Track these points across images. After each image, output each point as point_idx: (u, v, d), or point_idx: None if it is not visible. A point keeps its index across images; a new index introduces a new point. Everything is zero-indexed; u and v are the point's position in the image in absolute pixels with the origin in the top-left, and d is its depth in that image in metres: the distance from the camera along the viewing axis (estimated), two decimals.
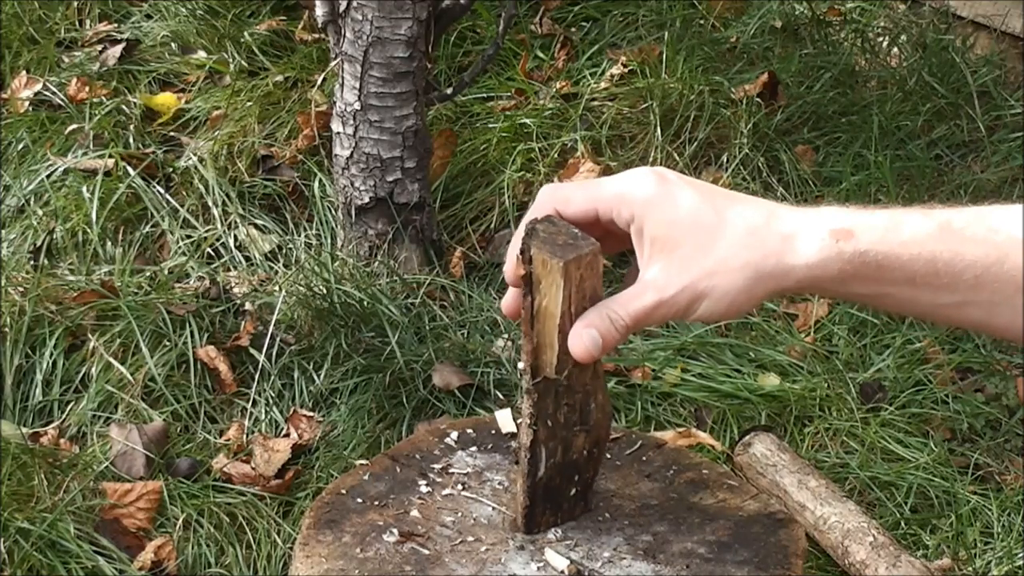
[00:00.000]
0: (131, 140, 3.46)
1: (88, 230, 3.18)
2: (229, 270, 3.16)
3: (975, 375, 3.00)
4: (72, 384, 2.85)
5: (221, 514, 2.58)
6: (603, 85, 3.61)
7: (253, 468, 2.68)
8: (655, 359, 2.91)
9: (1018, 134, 3.60)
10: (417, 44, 3.03)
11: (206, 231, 3.23)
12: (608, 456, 1.54)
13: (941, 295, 1.25)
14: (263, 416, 2.81)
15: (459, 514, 1.47)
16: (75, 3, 3.99)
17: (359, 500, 1.49)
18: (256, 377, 2.84)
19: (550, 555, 1.41)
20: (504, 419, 1.61)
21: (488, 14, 3.84)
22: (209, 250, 3.20)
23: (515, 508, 1.45)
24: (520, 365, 1.37)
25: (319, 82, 3.46)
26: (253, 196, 3.33)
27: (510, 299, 1.36)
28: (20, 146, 3.46)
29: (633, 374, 2.89)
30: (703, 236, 1.27)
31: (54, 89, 3.65)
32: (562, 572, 1.39)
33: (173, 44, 3.81)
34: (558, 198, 1.33)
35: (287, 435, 2.78)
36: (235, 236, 3.22)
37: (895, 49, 3.94)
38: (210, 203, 3.27)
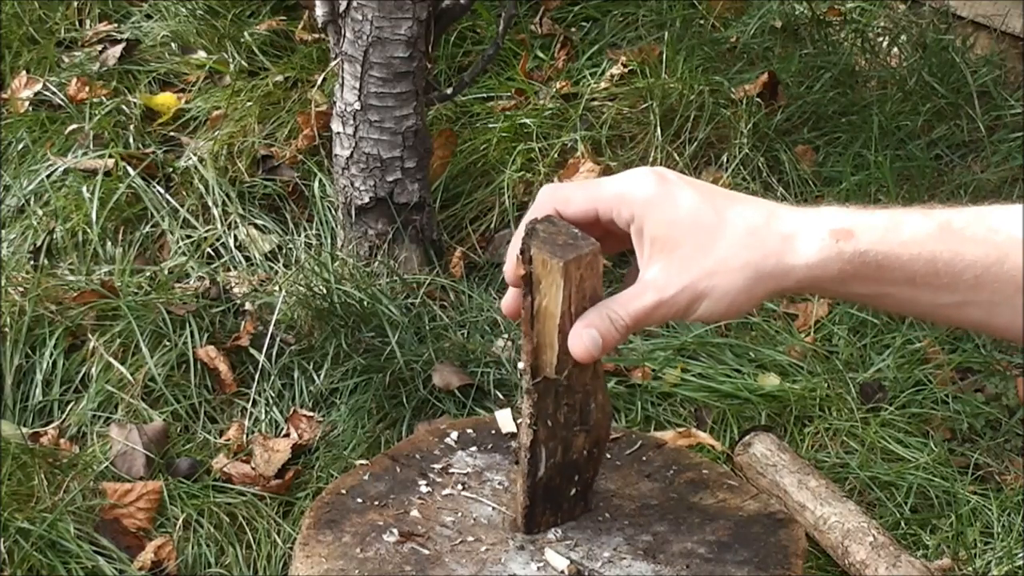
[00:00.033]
0: (131, 140, 3.46)
1: (88, 230, 3.18)
2: (229, 270, 3.16)
3: (975, 375, 3.00)
4: (72, 384, 2.85)
5: (221, 514, 2.58)
6: (603, 85, 3.61)
7: (253, 468, 2.68)
8: (655, 359, 2.91)
9: (1018, 134, 3.60)
10: (417, 44, 3.03)
11: (206, 231, 3.23)
12: (608, 456, 1.54)
13: (941, 295, 1.25)
14: (263, 416, 2.81)
15: (459, 514, 1.47)
16: (75, 3, 3.99)
17: (359, 500, 1.49)
18: (256, 377, 2.84)
19: (550, 555, 1.41)
20: (504, 419, 1.61)
21: (488, 14, 3.84)
22: (209, 250, 3.20)
23: (515, 508, 1.45)
24: (520, 365, 1.37)
25: (319, 82, 3.46)
26: (253, 196, 3.33)
27: (510, 299, 1.36)
28: (20, 146, 3.46)
29: (633, 374, 2.89)
30: (703, 236, 1.27)
31: (54, 89, 3.65)
32: (562, 572, 1.39)
33: (173, 44, 3.82)
34: (558, 198, 1.33)
35: (287, 435, 2.78)
36: (235, 236, 3.22)
37: (895, 49, 3.94)
38: (210, 203, 3.27)
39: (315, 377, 2.85)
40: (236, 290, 3.07)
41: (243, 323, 2.94)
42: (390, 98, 3.05)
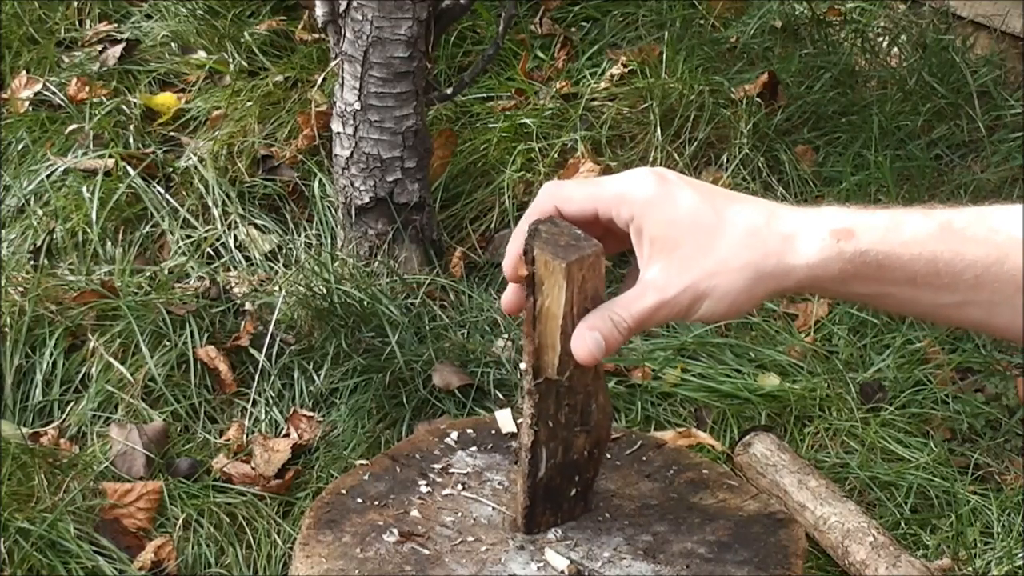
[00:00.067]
0: (131, 140, 3.46)
1: (88, 230, 3.18)
2: (229, 270, 3.16)
3: (975, 375, 3.00)
4: (72, 384, 2.85)
5: (221, 514, 2.58)
6: (603, 85, 3.61)
7: (253, 468, 2.68)
8: (655, 359, 2.91)
9: (1018, 134, 3.60)
10: (417, 44, 3.03)
11: (206, 231, 3.23)
12: (608, 456, 1.54)
13: (942, 295, 1.25)
14: (263, 416, 2.81)
15: (459, 514, 1.47)
16: (75, 3, 3.99)
17: (359, 500, 1.49)
18: (256, 377, 2.84)
19: (550, 555, 1.41)
20: (504, 419, 1.61)
21: (488, 14, 3.84)
22: (209, 250, 3.20)
23: (515, 508, 1.45)
24: (521, 366, 1.37)
25: (319, 82, 3.46)
26: (253, 196, 3.33)
27: (510, 295, 1.36)
28: (20, 146, 3.46)
29: (633, 374, 2.89)
30: (703, 236, 1.27)
31: (54, 89, 3.65)
32: (562, 572, 1.39)
33: (173, 44, 3.81)
34: (559, 196, 1.33)
35: (287, 435, 2.78)
36: (235, 236, 3.22)
37: (895, 49, 3.94)
38: (210, 203, 3.27)
39: (315, 377, 2.85)
40: (236, 290, 3.07)
41: (243, 323, 2.94)
42: (390, 98, 3.05)
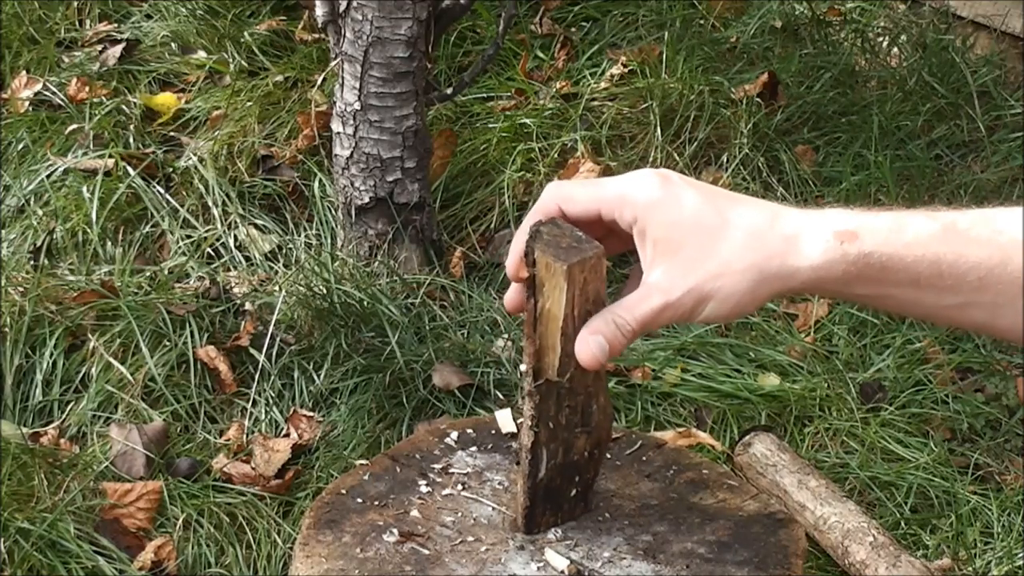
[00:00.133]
0: (131, 140, 3.46)
1: (88, 230, 3.18)
2: (229, 270, 3.16)
3: (975, 375, 3.00)
4: (72, 384, 2.85)
5: (221, 514, 2.58)
6: (603, 85, 3.61)
7: (253, 468, 2.68)
8: (655, 359, 2.91)
9: (1018, 134, 3.60)
10: (417, 44, 3.03)
11: (206, 231, 3.23)
12: (608, 456, 1.54)
13: (945, 297, 1.25)
14: (263, 416, 2.81)
15: (459, 514, 1.47)
16: (75, 3, 3.99)
17: (359, 500, 1.49)
18: (256, 377, 2.84)
19: (550, 555, 1.41)
20: (504, 419, 1.61)
21: (488, 14, 3.84)
22: (209, 250, 3.20)
23: (515, 508, 1.45)
24: (522, 367, 1.37)
25: (319, 82, 3.46)
26: (253, 196, 3.33)
27: (512, 294, 1.36)
28: (20, 146, 3.46)
29: (633, 374, 2.89)
30: (706, 238, 1.26)
31: (54, 89, 3.65)
32: (562, 572, 1.39)
33: (173, 44, 3.81)
34: (562, 196, 1.33)
35: (287, 435, 2.78)
36: (235, 236, 3.22)
37: (895, 49, 3.94)
38: (210, 203, 3.27)
39: (315, 377, 2.85)
40: (236, 290, 3.07)
41: (243, 323, 2.94)
42: (390, 98, 3.05)
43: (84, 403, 2.80)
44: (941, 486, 2.69)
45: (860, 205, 1.29)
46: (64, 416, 2.80)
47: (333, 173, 3.19)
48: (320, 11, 3.12)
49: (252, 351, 2.87)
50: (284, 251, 3.22)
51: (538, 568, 1.40)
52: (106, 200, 3.22)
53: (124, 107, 3.55)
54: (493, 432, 1.60)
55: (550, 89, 3.63)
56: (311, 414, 2.81)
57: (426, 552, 1.41)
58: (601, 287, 1.33)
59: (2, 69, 3.80)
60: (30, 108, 3.62)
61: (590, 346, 1.30)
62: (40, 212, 3.25)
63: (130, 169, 3.30)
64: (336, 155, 3.14)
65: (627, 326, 1.29)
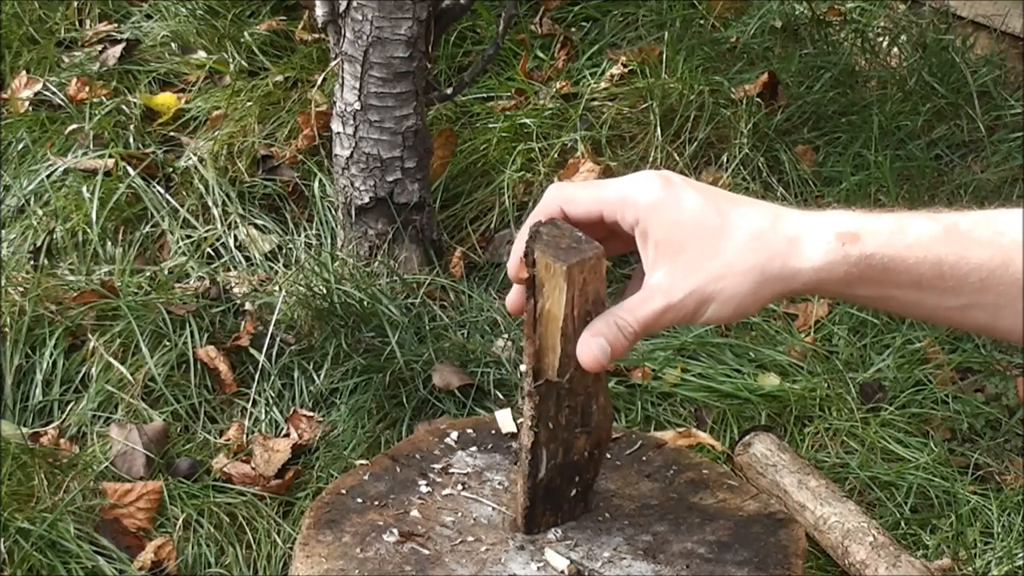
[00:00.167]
0: (131, 140, 3.46)
1: (88, 230, 3.18)
2: (229, 270, 3.16)
3: (975, 375, 3.00)
4: (72, 384, 2.85)
5: (221, 514, 2.58)
6: (603, 85, 3.61)
7: (253, 468, 2.68)
8: (655, 359, 2.91)
9: (1018, 134, 3.60)
10: (417, 44, 3.03)
11: (206, 231, 3.23)
12: (608, 456, 1.54)
13: (946, 298, 1.25)
14: (263, 416, 2.81)
15: (459, 514, 1.47)
16: (75, 3, 3.99)
17: (359, 500, 1.49)
18: (256, 377, 2.84)
19: (550, 555, 1.41)
20: (504, 419, 1.62)
21: (488, 14, 3.84)
22: (209, 250, 3.20)
23: (515, 508, 1.45)
24: (522, 368, 1.37)
25: (319, 82, 3.46)
26: (253, 196, 3.33)
27: (514, 296, 1.36)
28: (20, 146, 3.46)
29: (633, 374, 2.89)
30: (708, 239, 1.27)
31: (54, 89, 3.65)
32: (562, 572, 1.39)
33: (173, 44, 3.81)
34: (564, 198, 1.33)
35: (287, 435, 2.78)
36: (235, 236, 3.22)
37: (895, 49, 3.94)
38: (210, 203, 3.27)
39: (315, 377, 2.85)
40: (236, 290, 3.07)
41: (243, 323, 2.94)
42: (390, 98, 3.05)
43: (84, 403, 2.80)
44: (941, 486, 2.69)
45: (860, 205, 1.29)
46: (64, 416, 2.80)
47: (333, 173, 3.19)
48: (320, 11, 3.12)
49: (252, 351, 2.87)
50: (284, 251, 3.22)
51: (538, 568, 1.40)
52: (106, 200, 3.22)
53: (124, 107, 3.55)
54: (493, 432, 1.60)
55: (550, 89, 3.63)
56: (311, 414, 2.81)
57: (426, 552, 1.41)
58: (601, 287, 1.33)
59: (2, 69, 3.80)
60: (30, 108, 3.62)
61: (592, 348, 1.30)
62: (40, 212, 3.25)
63: (130, 169, 3.30)
64: (336, 155, 3.14)
65: (629, 328, 1.29)
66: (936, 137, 3.62)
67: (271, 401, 2.83)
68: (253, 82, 3.59)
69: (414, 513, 1.47)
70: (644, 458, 1.58)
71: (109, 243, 3.18)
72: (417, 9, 3.00)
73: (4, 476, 2.53)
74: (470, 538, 1.44)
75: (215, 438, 2.77)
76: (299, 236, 3.24)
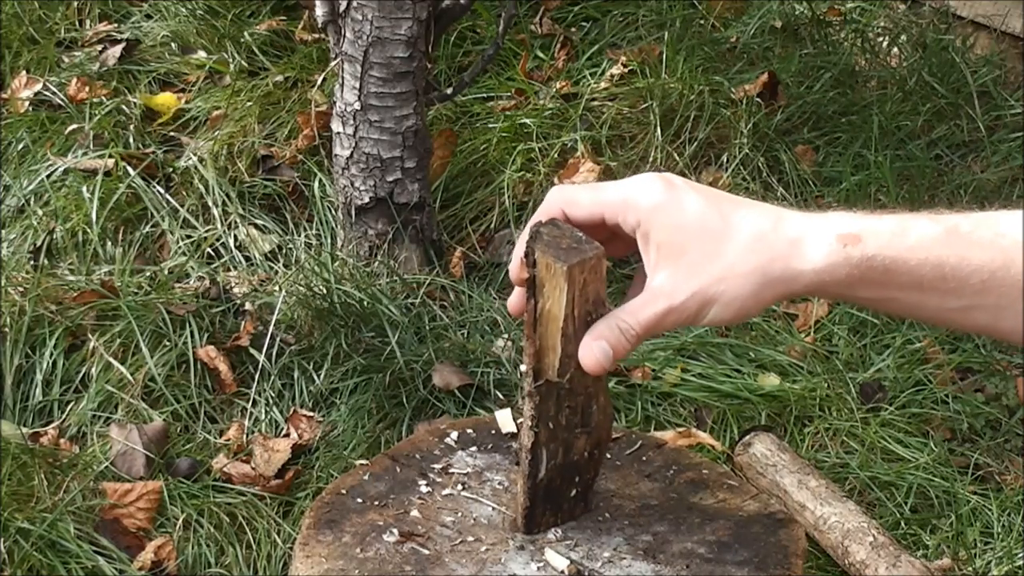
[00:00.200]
0: (131, 140, 3.46)
1: (88, 230, 3.18)
2: (229, 270, 3.16)
3: (975, 375, 3.00)
4: (72, 384, 2.85)
5: (221, 514, 2.58)
6: (603, 85, 3.61)
7: (253, 468, 2.68)
8: (655, 359, 2.91)
9: (1018, 134, 3.60)
10: (417, 44, 3.03)
11: (206, 231, 3.23)
12: (608, 456, 1.54)
13: (948, 299, 1.25)
14: (263, 416, 2.81)
15: (459, 514, 1.47)
16: (75, 3, 3.99)
17: (359, 500, 1.49)
18: (256, 377, 2.84)
19: (550, 555, 1.41)
20: (504, 419, 1.62)
21: (488, 14, 3.84)
22: (209, 250, 3.20)
23: (515, 508, 1.45)
24: (522, 368, 1.37)
25: (319, 82, 3.46)
26: (253, 196, 3.33)
27: (516, 298, 1.36)
28: (20, 146, 3.46)
29: (633, 374, 2.89)
30: (710, 241, 1.27)
31: (54, 89, 3.65)
32: (562, 572, 1.39)
33: (173, 44, 3.81)
34: (565, 200, 1.34)
35: (287, 435, 2.78)
36: (235, 236, 3.22)
37: (895, 49, 3.94)
38: (210, 203, 3.27)
39: (315, 377, 2.85)
40: (236, 290, 3.07)
41: (243, 323, 2.94)
42: (390, 98, 3.05)
43: (84, 403, 2.80)
44: (941, 486, 2.69)
45: (860, 205, 1.29)
46: (64, 416, 2.80)
47: (333, 173, 3.19)
48: (320, 11, 3.12)
49: (252, 351, 2.87)
50: (284, 251, 3.22)
51: (538, 568, 1.40)
52: (106, 200, 3.22)
53: (124, 107, 3.55)
54: (493, 432, 1.60)
55: (550, 89, 3.63)
56: (311, 414, 2.81)
57: (426, 552, 1.41)
58: (601, 288, 1.33)
59: (2, 69, 3.80)
60: (30, 108, 3.62)
61: (594, 351, 1.30)
62: (40, 212, 3.25)
63: (130, 169, 3.30)
64: (336, 155, 3.14)
65: (631, 331, 1.29)
66: (936, 137, 3.62)
67: (271, 401, 2.83)
68: (253, 82, 3.59)
69: (414, 513, 1.47)
70: (644, 458, 1.58)
71: (109, 243, 3.18)
72: (417, 9, 3.00)
73: (4, 476, 2.53)
74: (470, 538, 1.44)
75: (215, 438, 2.77)
76: (299, 236, 3.24)
